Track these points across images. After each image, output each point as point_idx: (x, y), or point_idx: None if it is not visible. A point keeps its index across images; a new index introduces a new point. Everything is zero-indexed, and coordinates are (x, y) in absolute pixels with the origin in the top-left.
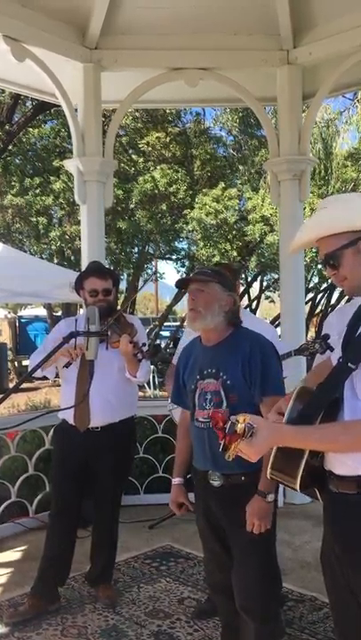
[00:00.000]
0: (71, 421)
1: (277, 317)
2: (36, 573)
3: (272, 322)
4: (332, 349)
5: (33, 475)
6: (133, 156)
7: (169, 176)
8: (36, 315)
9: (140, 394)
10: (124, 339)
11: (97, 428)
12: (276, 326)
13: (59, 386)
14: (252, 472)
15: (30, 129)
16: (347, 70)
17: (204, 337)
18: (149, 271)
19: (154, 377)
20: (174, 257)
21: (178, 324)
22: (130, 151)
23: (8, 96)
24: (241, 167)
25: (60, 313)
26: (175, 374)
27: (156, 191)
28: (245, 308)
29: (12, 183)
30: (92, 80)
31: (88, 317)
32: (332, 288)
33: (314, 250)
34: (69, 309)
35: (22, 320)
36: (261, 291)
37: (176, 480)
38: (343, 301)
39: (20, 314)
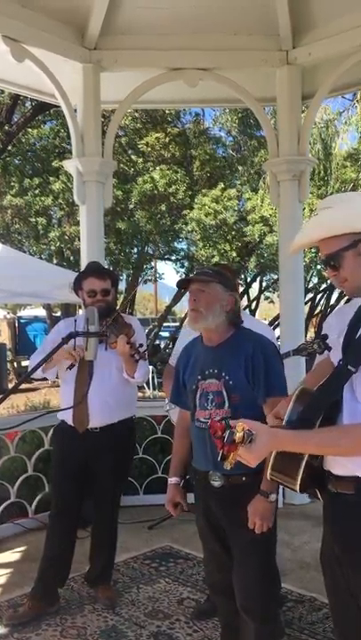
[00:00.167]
0: (70, 422)
1: (277, 318)
2: (36, 574)
3: (271, 322)
4: (330, 349)
5: (32, 475)
6: (133, 157)
7: (168, 176)
8: (36, 315)
9: (140, 394)
10: (122, 339)
11: (96, 428)
12: (275, 327)
13: (58, 386)
14: (252, 472)
15: (30, 129)
16: (346, 70)
17: (205, 337)
18: (149, 271)
19: (153, 377)
20: (173, 257)
21: (177, 324)
22: (129, 152)
23: (7, 96)
24: (240, 167)
25: (59, 313)
26: (175, 374)
27: (156, 192)
28: (245, 308)
29: (12, 184)
30: (92, 80)
31: (87, 318)
32: (331, 288)
33: (313, 250)
34: (69, 310)
35: (22, 320)
36: (261, 291)
37: (173, 480)
38: (342, 302)
39: (19, 314)
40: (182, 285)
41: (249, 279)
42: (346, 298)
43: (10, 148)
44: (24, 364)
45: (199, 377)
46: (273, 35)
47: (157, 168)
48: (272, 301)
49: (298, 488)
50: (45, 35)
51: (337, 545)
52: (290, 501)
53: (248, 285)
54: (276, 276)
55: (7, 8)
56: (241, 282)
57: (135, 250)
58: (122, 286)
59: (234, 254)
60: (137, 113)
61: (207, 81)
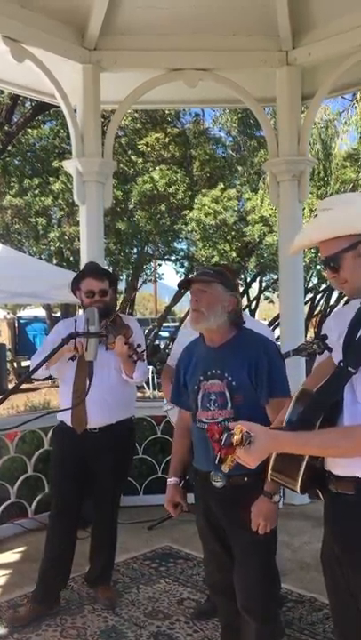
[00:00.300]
0: (69, 423)
1: (276, 318)
2: (37, 575)
3: (271, 322)
4: (330, 350)
5: (32, 475)
6: (133, 157)
7: (168, 177)
8: (35, 315)
9: (140, 394)
10: (120, 340)
11: (95, 429)
12: (274, 327)
13: (58, 386)
14: (254, 473)
15: (29, 130)
16: (346, 71)
17: (207, 338)
18: (148, 272)
19: (153, 377)
20: (173, 257)
21: (177, 324)
22: (129, 152)
23: (7, 97)
24: (240, 168)
25: (59, 314)
26: (175, 374)
27: (156, 192)
28: (244, 309)
29: (12, 184)
30: (92, 81)
31: (87, 318)
32: (331, 289)
33: (313, 250)
34: (68, 310)
35: (21, 321)
36: (260, 291)
37: (172, 480)
38: (342, 302)
39: (19, 314)
40: (183, 286)
41: (249, 279)
42: (345, 299)
43: (10, 148)
44: (24, 364)
45: (201, 377)
46: (273, 35)
47: (157, 168)
48: (272, 301)
49: (298, 489)
50: (45, 35)
51: (337, 545)
52: (290, 502)
53: (248, 285)
54: (275, 277)
55: (7, 8)
56: (241, 282)
57: (135, 250)
58: (122, 286)
59: (234, 254)
60: (137, 113)
61: (207, 81)
